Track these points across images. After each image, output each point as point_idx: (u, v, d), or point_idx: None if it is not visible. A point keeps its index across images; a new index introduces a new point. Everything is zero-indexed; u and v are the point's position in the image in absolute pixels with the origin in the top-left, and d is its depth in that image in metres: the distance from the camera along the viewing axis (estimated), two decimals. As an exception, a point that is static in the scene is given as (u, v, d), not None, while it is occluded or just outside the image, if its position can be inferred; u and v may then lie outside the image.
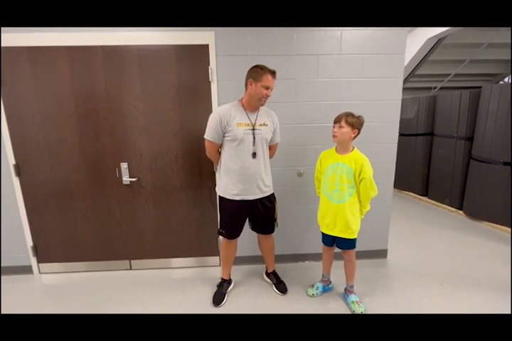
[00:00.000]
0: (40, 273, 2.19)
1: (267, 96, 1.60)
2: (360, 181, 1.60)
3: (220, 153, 1.74)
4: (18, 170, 2.00)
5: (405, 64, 3.91)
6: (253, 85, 1.58)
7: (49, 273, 2.19)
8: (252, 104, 1.65)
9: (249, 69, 1.61)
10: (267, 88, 1.57)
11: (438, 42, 3.79)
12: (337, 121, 1.60)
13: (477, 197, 3.09)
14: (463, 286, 1.95)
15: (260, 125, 1.66)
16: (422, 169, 3.94)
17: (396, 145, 2.14)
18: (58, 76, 1.88)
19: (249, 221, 1.85)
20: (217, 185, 1.78)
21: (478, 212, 3.09)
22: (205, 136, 1.68)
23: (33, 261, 2.15)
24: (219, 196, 1.77)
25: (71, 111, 1.93)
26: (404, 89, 2.17)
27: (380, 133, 2.08)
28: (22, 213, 2.06)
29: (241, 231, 1.83)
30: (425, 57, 4.08)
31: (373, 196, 1.65)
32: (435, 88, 4.96)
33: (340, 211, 1.64)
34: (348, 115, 1.58)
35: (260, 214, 1.78)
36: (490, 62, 4.69)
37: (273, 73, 1.58)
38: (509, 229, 2.79)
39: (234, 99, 1.73)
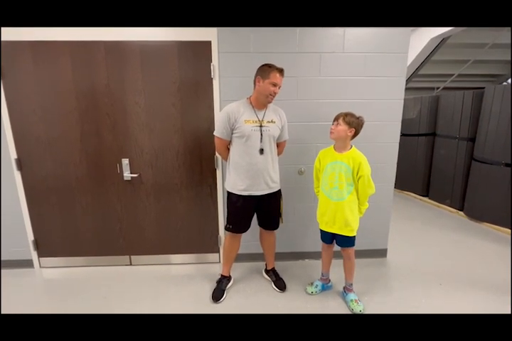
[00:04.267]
0: (40, 267, 2.20)
1: (275, 93, 1.62)
2: (358, 179, 1.62)
3: (229, 149, 1.76)
4: (20, 164, 2.00)
5: (408, 63, 3.90)
6: (261, 82, 1.61)
7: (49, 267, 2.20)
8: (260, 102, 1.67)
9: (258, 68, 1.64)
10: (275, 85, 1.60)
11: (442, 42, 3.77)
12: (336, 118, 1.63)
13: (478, 198, 3.08)
14: (462, 286, 1.95)
15: (268, 122, 1.69)
16: (423, 169, 3.93)
17: (398, 144, 2.13)
18: (60, 71, 1.88)
19: (257, 217, 1.87)
20: (226, 181, 1.81)
21: (478, 213, 3.09)
22: (215, 133, 1.72)
23: (33, 255, 2.17)
24: (227, 191, 1.79)
25: (72, 107, 1.93)
26: (407, 89, 2.16)
27: (381, 133, 2.07)
28: (23, 207, 2.07)
29: (249, 227, 1.84)
30: (428, 57, 4.07)
31: (371, 194, 1.66)
32: (438, 88, 4.94)
33: (339, 209, 1.65)
34: (347, 114, 1.60)
35: (266, 209, 1.81)
36: (493, 63, 4.67)
37: (281, 71, 1.61)
38: (509, 231, 2.78)
39: (235, 96, 1.73)
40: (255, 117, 1.66)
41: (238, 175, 1.71)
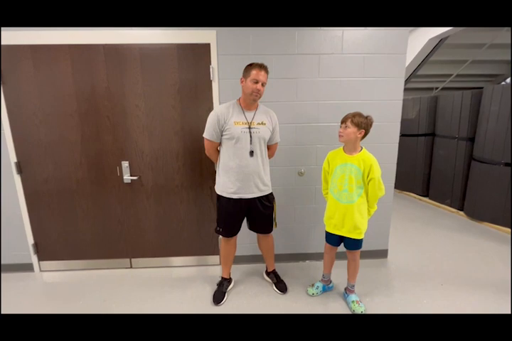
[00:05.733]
0: (40, 270, 2.20)
1: (258, 90, 1.58)
2: (369, 181, 1.59)
3: (219, 151, 1.75)
4: (20, 168, 2.00)
5: (407, 64, 3.92)
6: (244, 82, 1.61)
7: (50, 271, 2.20)
8: (247, 102, 1.65)
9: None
10: (256, 82, 1.57)
11: (440, 42, 3.78)
12: (343, 121, 1.59)
13: (478, 198, 3.08)
14: (463, 287, 1.95)
15: (258, 124, 1.67)
16: (423, 170, 3.94)
17: (397, 145, 2.14)
18: (60, 74, 1.88)
19: (247, 220, 1.85)
20: (216, 184, 1.79)
21: (479, 213, 3.09)
22: (204, 135, 1.70)
23: (33, 258, 2.16)
24: (217, 194, 1.78)
25: (73, 110, 1.94)
26: (405, 89, 2.17)
27: (381, 133, 2.08)
28: (23, 211, 2.07)
29: (238, 230, 1.83)
30: (427, 58, 4.08)
31: (381, 196, 1.63)
32: (437, 88, 4.95)
33: (349, 211, 1.63)
34: (355, 115, 1.56)
35: (258, 213, 1.78)
36: (492, 63, 4.68)
37: (261, 67, 1.58)
38: (509, 230, 2.78)
39: (235, 98, 1.73)
40: (244, 119, 1.65)
41: (228, 178, 1.69)
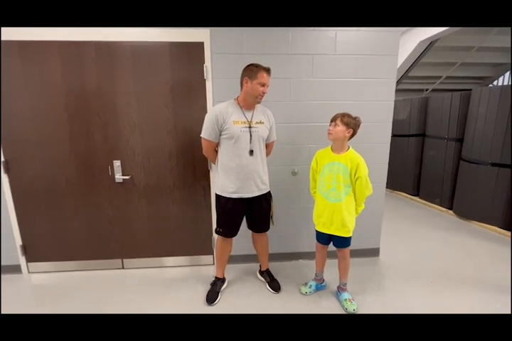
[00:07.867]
0: (29, 272, 2.14)
1: (263, 93, 1.61)
2: (356, 180, 1.62)
3: (217, 151, 1.74)
4: (7, 166, 1.95)
5: (398, 65, 3.97)
6: (249, 83, 1.59)
7: (38, 272, 2.15)
8: (249, 102, 1.65)
9: (244, 68, 1.62)
10: (263, 85, 1.59)
11: (430, 45, 3.85)
12: (333, 119, 1.63)
13: (466, 197, 3.15)
14: (453, 284, 1.99)
15: (257, 123, 1.68)
16: (413, 169, 4.00)
17: (388, 145, 2.17)
18: (50, 71, 1.84)
19: (246, 219, 1.85)
20: (216, 184, 1.78)
21: (467, 212, 3.16)
22: (202, 135, 1.68)
23: (21, 260, 2.11)
24: (216, 194, 1.77)
25: (62, 107, 1.90)
26: (397, 90, 2.20)
27: (372, 134, 2.10)
28: (11, 211, 2.01)
29: (238, 230, 1.82)
30: (417, 60, 4.15)
31: (368, 195, 1.66)
32: (427, 90, 5.05)
33: (337, 210, 1.65)
34: (345, 115, 1.60)
35: (257, 212, 1.79)
36: (480, 66, 4.80)
37: (267, 70, 1.60)
38: (497, 228, 2.86)
39: (229, 97, 1.73)
40: (244, 118, 1.65)
41: (228, 178, 1.68)
